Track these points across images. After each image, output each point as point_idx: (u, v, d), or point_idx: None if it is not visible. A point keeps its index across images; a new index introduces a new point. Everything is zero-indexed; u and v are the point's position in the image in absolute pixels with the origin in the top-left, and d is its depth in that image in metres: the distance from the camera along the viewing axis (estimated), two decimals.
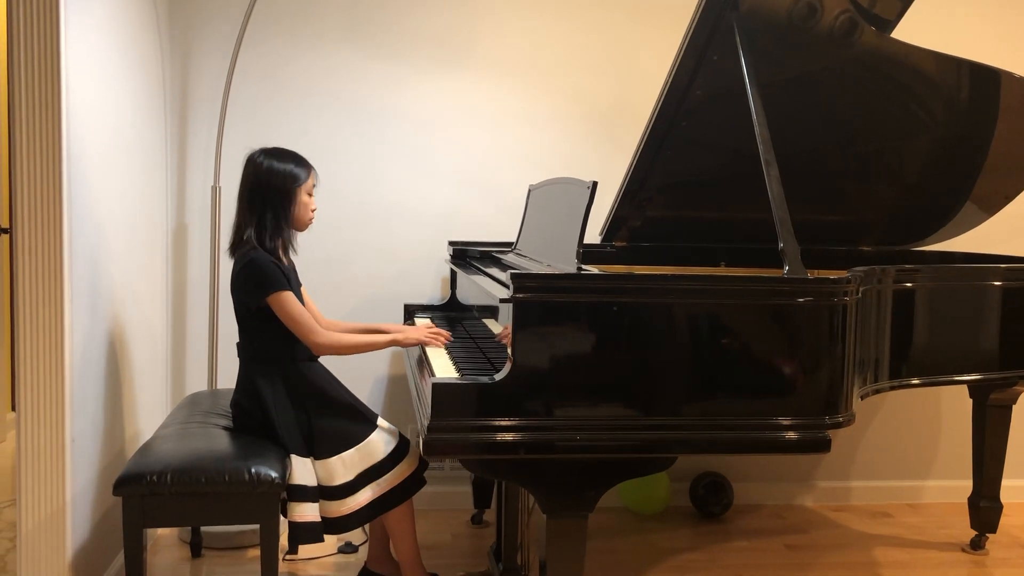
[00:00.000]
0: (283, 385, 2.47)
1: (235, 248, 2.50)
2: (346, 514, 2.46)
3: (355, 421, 2.51)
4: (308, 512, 2.41)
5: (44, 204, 2.27)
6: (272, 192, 2.48)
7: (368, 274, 3.51)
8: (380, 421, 2.57)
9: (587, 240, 2.38)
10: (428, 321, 3.16)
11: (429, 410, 1.98)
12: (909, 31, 2.82)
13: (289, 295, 2.42)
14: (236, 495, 2.25)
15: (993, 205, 3.32)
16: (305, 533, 2.41)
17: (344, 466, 2.45)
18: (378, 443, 2.49)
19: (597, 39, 3.56)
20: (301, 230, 2.59)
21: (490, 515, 3.44)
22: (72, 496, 2.40)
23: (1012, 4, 3.72)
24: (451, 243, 3.35)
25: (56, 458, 2.34)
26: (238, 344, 2.55)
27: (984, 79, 2.92)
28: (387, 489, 2.49)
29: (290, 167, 2.51)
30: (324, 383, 2.55)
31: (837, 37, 2.71)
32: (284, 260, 2.54)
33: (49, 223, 2.28)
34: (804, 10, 2.61)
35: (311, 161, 2.59)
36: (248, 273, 2.43)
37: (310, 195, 2.56)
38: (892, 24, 2.82)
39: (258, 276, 2.41)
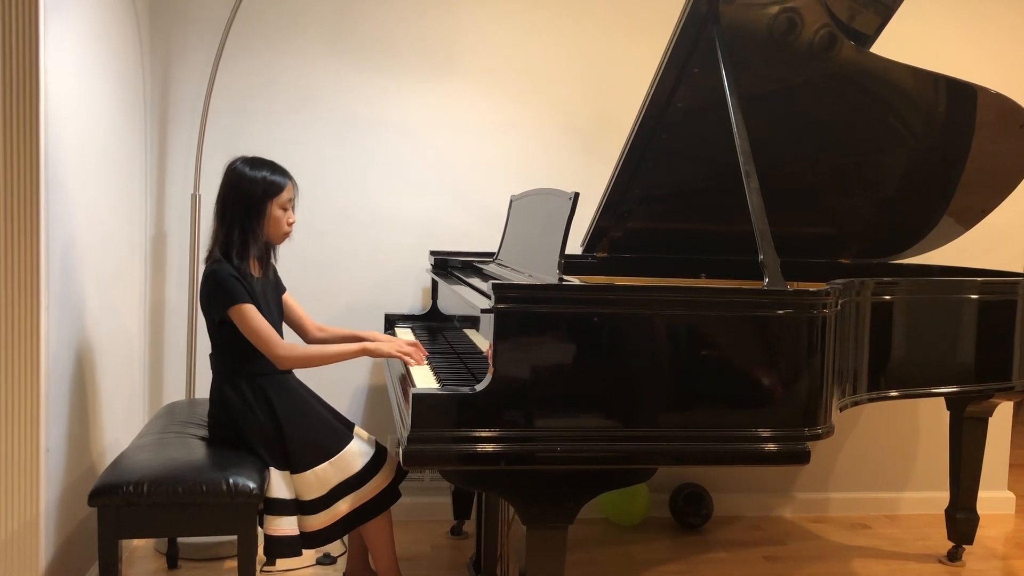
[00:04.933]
0: (254, 398, 2.44)
1: (208, 258, 2.48)
2: (323, 527, 2.44)
3: (330, 433, 2.48)
4: (285, 526, 2.39)
5: (20, 212, 2.25)
6: (241, 205, 2.43)
7: (349, 283, 3.49)
8: (357, 431, 2.55)
9: (568, 251, 2.38)
10: (410, 332, 3.15)
11: (409, 421, 1.98)
12: (889, 46, 2.85)
13: (249, 308, 2.37)
14: (213, 506, 2.23)
15: (970, 219, 3.36)
16: (282, 547, 2.38)
17: (319, 480, 2.43)
18: (354, 455, 2.47)
19: (579, 51, 3.57)
20: (277, 243, 2.56)
21: (470, 526, 3.43)
22: (46, 506, 2.37)
23: (992, 21, 3.77)
24: (432, 253, 3.34)
25: (30, 468, 2.31)
26: (210, 356, 2.52)
27: (961, 94, 2.95)
28: (364, 501, 2.47)
29: (264, 180, 2.45)
30: (297, 395, 2.52)
31: (817, 51, 2.73)
32: (256, 273, 2.50)
33: (25, 231, 2.25)
34: (784, 24, 2.63)
35: (293, 169, 2.55)
36: (209, 286, 2.40)
37: (285, 209, 2.49)
38: (871, 39, 2.85)
39: (217, 289, 2.37)
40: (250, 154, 2.52)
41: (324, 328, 2.77)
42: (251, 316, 2.37)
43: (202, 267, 2.56)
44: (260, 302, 2.43)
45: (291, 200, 2.52)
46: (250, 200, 2.44)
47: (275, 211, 2.48)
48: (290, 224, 2.53)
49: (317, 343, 2.74)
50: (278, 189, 2.47)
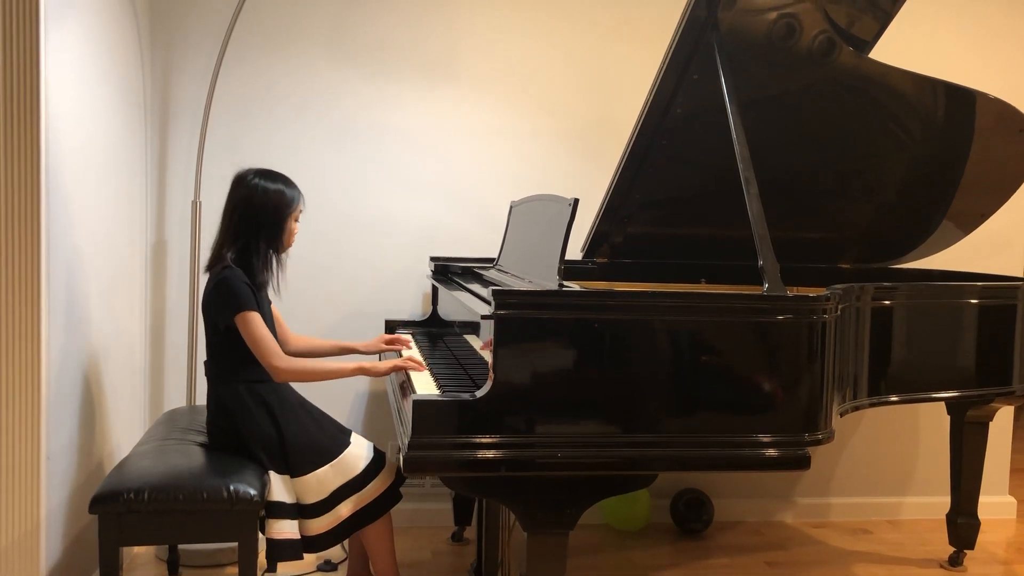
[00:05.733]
0: (252, 404, 2.44)
1: (212, 266, 2.49)
2: (324, 531, 2.44)
3: (329, 437, 2.49)
4: (286, 529, 2.39)
5: (21, 218, 2.25)
6: (264, 217, 2.46)
7: (350, 289, 3.50)
8: (354, 436, 2.55)
9: (568, 256, 2.38)
10: (410, 337, 3.15)
11: (410, 427, 1.98)
12: (888, 52, 2.86)
13: (256, 316, 2.39)
14: (214, 512, 2.23)
15: (969, 223, 3.36)
16: (284, 550, 2.38)
17: (320, 483, 2.43)
18: (354, 458, 2.48)
19: (578, 57, 3.58)
20: (281, 253, 2.58)
21: (471, 532, 3.42)
22: (47, 514, 2.37)
23: (991, 26, 3.78)
24: (433, 259, 3.35)
25: (31, 475, 2.31)
26: (205, 363, 2.53)
27: (960, 99, 2.96)
28: (364, 504, 2.47)
29: (283, 192, 2.49)
30: (295, 400, 2.53)
31: (816, 57, 2.74)
32: (269, 282, 2.52)
33: (26, 238, 2.26)
34: (783, 30, 2.64)
35: (293, 174, 2.58)
36: (219, 292, 2.40)
37: (297, 220, 2.55)
38: (870, 45, 2.86)
39: (228, 295, 2.39)
40: (257, 165, 2.54)
41: (304, 340, 2.80)
42: (257, 325, 2.39)
43: (203, 274, 2.56)
44: (263, 313, 2.44)
45: (302, 212, 2.57)
46: (272, 215, 2.48)
47: (291, 224, 2.53)
48: (295, 235, 2.57)
49: (297, 354, 2.75)
50: (296, 203, 2.53)
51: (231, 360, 2.45)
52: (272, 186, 2.49)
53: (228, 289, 2.39)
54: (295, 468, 2.42)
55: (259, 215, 2.47)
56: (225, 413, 2.46)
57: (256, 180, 2.48)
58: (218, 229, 2.52)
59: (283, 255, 2.57)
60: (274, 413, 2.45)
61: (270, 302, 2.64)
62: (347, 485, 2.45)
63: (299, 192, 2.55)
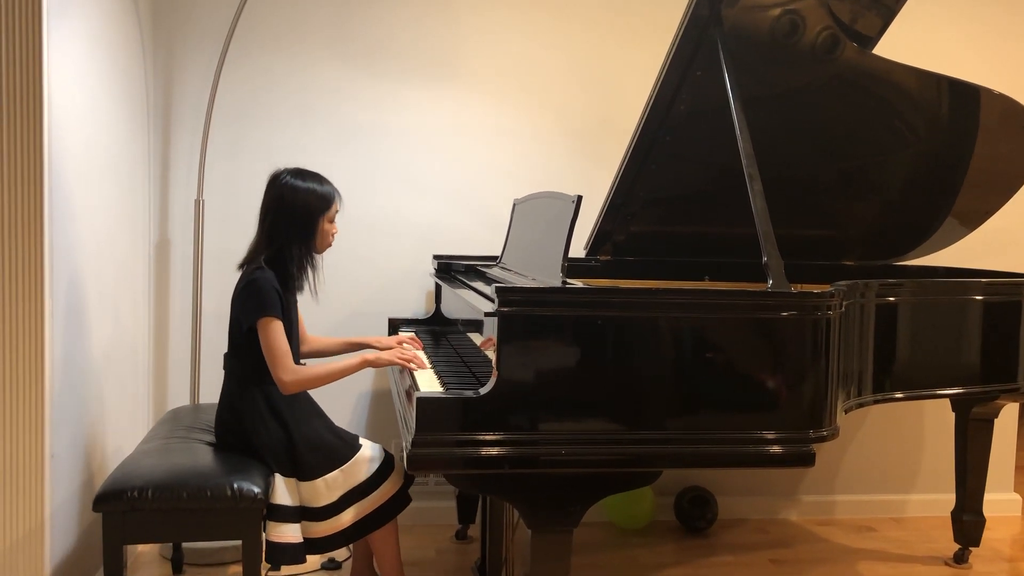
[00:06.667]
0: (265, 405, 2.44)
1: (246, 264, 2.48)
2: (329, 535, 2.44)
3: (339, 441, 2.48)
4: (288, 533, 2.38)
5: (24, 218, 2.26)
6: (295, 218, 2.45)
7: (353, 287, 3.50)
8: (363, 441, 2.55)
9: (572, 254, 2.38)
10: (412, 334, 3.15)
11: (413, 424, 1.98)
12: (888, 50, 2.85)
13: (276, 324, 2.37)
14: (218, 511, 2.23)
15: (974, 220, 3.35)
16: (284, 554, 2.37)
17: (328, 487, 2.42)
18: (362, 463, 2.47)
19: (580, 56, 3.58)
20: (319, 253, 2.57)
21: (475, 530, 3.42)
22: (51, 512, 2.38)
23: (993, 24, 3.77)
24: (436, 257, 3.35)
25: (35, 474, 2.31)
26: (225, 356, 2.52)
27: (964, 95, 2.95)
28: (371, 509, 2.46)
29: (314, 191, 2.47)
30: (307, 405, 2.53)
31: (819, 53, 2.73)
32: (303, 287, 2.51)
33: (29, 236, 2.26)
34: (786, 26, 2.63)
35: None
36: (248, 292, 2.40)
37: (332, 222, 2.53)
38: (874, 41, 2.85)
39: (256, 296, 2.38)
40: (293, 166, 2.52)
41: (318, 339, 2.80)
42: (276, 333, 2.37)
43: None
44: (289, 320, 2.44)
45: (337, 212, 2.55)
46: (303, 215, 2.46)
47: (325, 225, 2.51)
48: (333, 236, 2.56)
49: (312, 353, 2.77)
50: (329, 204, 2.50)
51: (250, 358, 2.44)
52: (303, 185, 2.46)
53: (256, 291, 2.38)
54: (305, 472, 2.42)
55: (290, 215, 2.45)
56: (234, 412, 2.46)
57: (287, 179, 2.47)
58: (256, 229, 2.50)
59: (319, 256, 2.54)
60: (284, 417, 2.44)
61: (296, 302, 2.64)
62: (356, 489, 2.45)
63: (333, 191, 2.51)
